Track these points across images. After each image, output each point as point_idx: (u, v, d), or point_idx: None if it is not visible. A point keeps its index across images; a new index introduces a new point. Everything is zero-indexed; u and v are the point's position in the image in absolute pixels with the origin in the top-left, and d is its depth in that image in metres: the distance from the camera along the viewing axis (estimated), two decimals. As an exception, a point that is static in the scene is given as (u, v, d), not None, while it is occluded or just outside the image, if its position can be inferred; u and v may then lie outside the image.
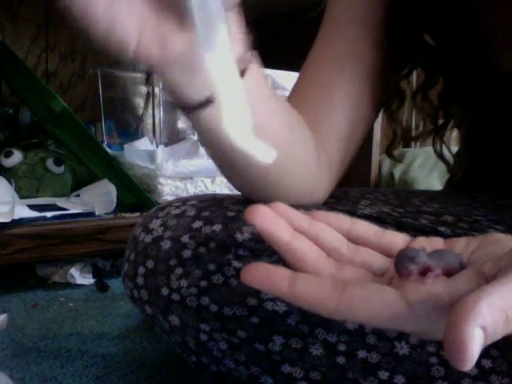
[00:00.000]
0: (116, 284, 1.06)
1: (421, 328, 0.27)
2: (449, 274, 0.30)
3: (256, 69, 0.44)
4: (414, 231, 0.51)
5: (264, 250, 0.49)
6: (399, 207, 0.57)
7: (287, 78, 1.48)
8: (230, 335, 0.48)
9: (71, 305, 0.95)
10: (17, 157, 1.12)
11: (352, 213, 0.53)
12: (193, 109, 0.41)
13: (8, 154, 1.12)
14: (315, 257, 0.32)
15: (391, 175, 1.52)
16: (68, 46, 1.57)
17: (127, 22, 0.32)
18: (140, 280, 0.53)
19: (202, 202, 0.54)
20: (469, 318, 0.23)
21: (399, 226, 0.52)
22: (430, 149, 1.62)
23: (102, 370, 0.70)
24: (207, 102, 0.40)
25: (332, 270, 0.31)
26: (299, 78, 0.61)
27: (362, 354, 0.45)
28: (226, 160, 0.48)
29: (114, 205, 1.05)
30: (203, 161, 1.16)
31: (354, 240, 0.34)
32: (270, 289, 0.27)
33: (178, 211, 0.53)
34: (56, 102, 1.06)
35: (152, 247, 0.52)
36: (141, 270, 0.52)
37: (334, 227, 0.34)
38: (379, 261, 0.33)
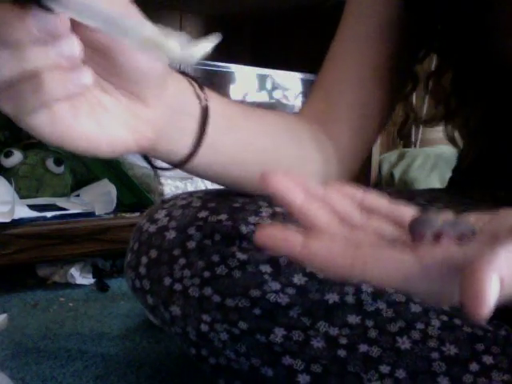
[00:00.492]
0: (116, 284, 1.06)
1: (433, 290, 0.27)
2: (461, 241, 0.30)
3: (215, 99, 0.44)
4: None
5: None
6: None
7: (287, 78, 1.48)
8: (232, 326, 0.48)
9: (71, 305, 0.95)
10: (17, 157, 1.12)
11: None
12: (178, 166, 0.44)
13: (8, 154, 1.12)
14: (328, 221, 0.32)
15: (391, 175, 1.52)
16: (68, 45, 1.57)
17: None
18: (142, 270, 0.52)
19: (208, 194, 0.55)
20: (486, 266, 0.23)
21: None
22: (429, 149, 1.63)
23: (102, 369, 0.70)
24: (184, 161, 0.43)
25: (345, 234, 0.32)
26: (320, 72, 0.63)
27: (363, 347, 0.45)
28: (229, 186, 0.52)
29: (114, 205, 1.05)
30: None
31: (367, 210, 0.34)
32: (284, 248, 0.27)
33: (184, 202, 0.54)
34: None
35: (156, 237, 0.52)
36: (144, 259, 0.52)
37: (347, 196, 0.34)
38: (390, 229, 0.33)
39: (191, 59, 0.27)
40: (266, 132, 0.51)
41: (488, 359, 0.44)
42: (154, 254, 0.52)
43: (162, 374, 0.69)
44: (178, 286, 0.50)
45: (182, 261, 0.50)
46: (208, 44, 0.28)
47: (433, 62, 0.66)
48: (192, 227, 0.51)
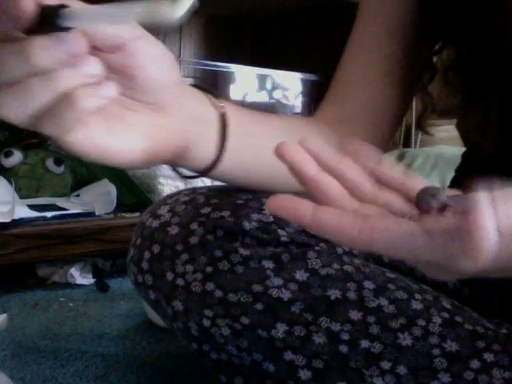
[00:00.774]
0: (116, 284, 1.06)
1: (438, 257, 0.29)
2: (464, 214, 0.31)
3: (229, 107, 0.47)
4: None
5: (270, 240, 0.50)
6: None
7: (287, 78, 1.48)
8: (234, 321, 0.48)
9: (71, 305, 0.95)
10: (17, 157, 1.12)
11: None
12: (204, 173, 0.47)
13: (8, 154, 1.12)
14: (339, 193, 0.33)
15: (391, 175, 1.52)
16: (68, 45, 1.56)
17: None
18: (145, 264, 0.53)
19: (212, 190, 0.55)
20: (484, 210, 0.26)
21: None
22: (429, 149, 1.63)
23: (102, 369, 0.70)
24: (209, 168, 0.46)
25: (354, 206, 0.33)
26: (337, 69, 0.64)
27: (364, 343, 0.46)
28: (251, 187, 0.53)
29: (114, 205, 1.05)
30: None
31: (378, 179, 0.35)
32: (294, 217, 0.28)
33: (186, 198, 0.54)
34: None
35: (159, 232, 0.52)
36: (146, 254, 0.53)
37: (360, 163, 0.35)
38: (399, 203, 0.34)
39: (178, 16, 0.30)
40: (277, 136, 0.51)
41: (489, 357, 0.44)
42: (156, 249, 0.52)
43: (162, 373, 0.69)
44: (180, 281, 0.50)
45: (185, 256, 0.50)
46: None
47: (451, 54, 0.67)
48: (195, 223, 0.51)
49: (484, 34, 0.59)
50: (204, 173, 0.46)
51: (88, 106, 0.32)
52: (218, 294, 0.49)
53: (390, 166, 0.36)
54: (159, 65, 0.37)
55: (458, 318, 0.47)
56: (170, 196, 0.56)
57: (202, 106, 0.44)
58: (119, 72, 0.35)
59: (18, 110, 0.32)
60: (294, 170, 0.32)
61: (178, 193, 0.56)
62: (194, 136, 0.43)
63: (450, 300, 0.49)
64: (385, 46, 0.60)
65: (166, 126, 0.40)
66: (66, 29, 0.30)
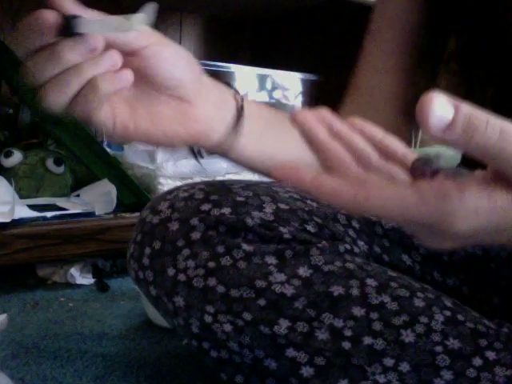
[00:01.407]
0: (116, 284, 1.06)
1: (429, 219, 0.30)
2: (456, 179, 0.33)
3: (251, 102, 0.52)
4: None
5: (272, 236, 0.50)
6: None
7: (287, 78, 1.48)
8: (236, 317, 0.48)
9: (71, 305, 0.95)
10: (17, 157, 1.12)
11: None
12: (227, 155, 0.51)
13: (8, 154, 1.12)
14: (346, 159, 0.35)
15: (391, 175, 1.52)
16: (68, 46, 1.57)
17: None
18: (146, 261, 0.53)
19: (211, 186, 0.55)
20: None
21: None
22: (429, 149, 1.62)
23: (102, 369, 0.70)
24: (226, 152, 0.51)
25: (359, 174, 0.35)
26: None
27: (367, 340, 0.46)
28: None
29: (114, 205, 1.05)
30: (203, 161, 1.16)
31: (383, 151, 0.37)
32: (296, 181, 0.31)
33: (186, 194, 0.54)
34: (56, 102, 1.06)
35: (159, 228, 0.52)
36: (147, 250, 0.53)
37: (367, 135, 0.37)
38: (402, 176, 0.35)
39: (136, 28, 0.39)
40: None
41: (491, 355, 0.45)
42: (157, 244, 0.52)
43: (162, 373, 0.69)
44: (181, 277, 0.50)
45: (186, 251, 0.50)
46: (147, 14, 0.39)
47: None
48: (195, 218, 0.51)
49: (484, 20, 0.59)
50: (227, 154, 0.51)
51: (107, 89, 0.40)
52: (220, 289, 0.49)
53: (393, 140, 0.38)
54: (174, 64, 0.44)
55: (460, 317, 0.47)
56: (169, 192, 0.56)
57: (222, 96, 0.49)
58: (144, 74, 0.43)
59: (58, 99, 0.40)
60: (305, 134, 0.34)
61: (177, 188, 0.56)
62: (216, 122, 0.48)
63: (451, 299, 0.49)
64: (398, 44, 0.63)
65: (191, 114, 0.46)
66: (80, 34, 0.38)
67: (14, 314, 0.89)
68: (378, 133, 0.37)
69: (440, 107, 0.28)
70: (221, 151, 0.50)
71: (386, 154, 0.36)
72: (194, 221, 0.51)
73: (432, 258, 0.57)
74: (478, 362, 0.44)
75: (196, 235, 0.51)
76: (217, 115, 0.48)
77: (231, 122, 0.49)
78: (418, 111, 0.28)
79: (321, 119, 0.35)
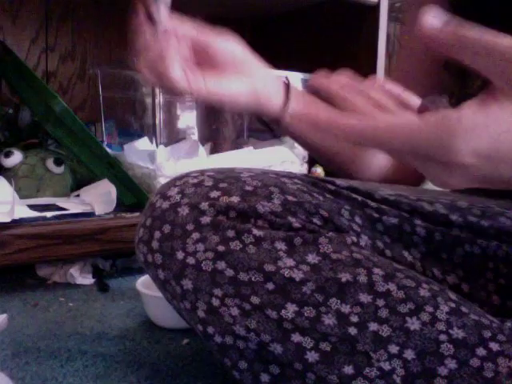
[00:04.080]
0: (116, 284, 1.06)
1: (432, 147, 0.33)
2: None
3: (299, 93, 0.65)
4: (426, 218, 0.58)
5: (282, 224, 0.51)
6: (416, 193, 0.62)
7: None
8: (243, 301, 0.49)
9: (71, 305, 0.95)
10: (17, 157, 1.12)
11: (372, 194, 0.60)
12: (278, 122, 0.64)
13: (8, 154, 1.12)
14: (363, 104, 0.38)
15: (391, 175, 1.52)
16: (68, 46, 1.57)
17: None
18: (155, 244, 0.53)
19: (220, 173, 0.56)
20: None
21: (413, 211, 0.59)
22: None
23: (102, 370, 0.70)
24: (279, 120, 0.63)
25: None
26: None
27: (373, 326, 0.46)
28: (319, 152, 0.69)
29: (114, 205, 1.05)
30: (203, 161, 1.16)
31: (401, 102, 0.39)
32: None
33: (195, 180, 0.55)
34: (56, 101, 1.06)
35: (169, 213, 0.53)
36: (157, 234, 0.53)
37: (385, 90, 0.40)
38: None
39: None
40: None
41: (494, 346, 0.45)
42: (167, 228, 0.53)
43: (162, 373, 0.69)
44: (190, 260, 0.51)
45: (196, 235, 0.51)
46: None
47: None
48: (205, 203, 0.52)
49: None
50: (278, 121, 0.63)
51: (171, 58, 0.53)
52: (229, 273, 0.49)
53: (411, 95, 0.40)
54: (232, 48, 0.58)
55: (464, 309, 0.47)
56: (179, 178, 0.57)
57: (270, 75, 0.63)
58: (205, 53, 0.57)
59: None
60: (323, 89, 0.39)
61: (187, 175, 0.57)
62: (267, 93, 0.61)
63: (454, 293, 0.50)
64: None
65: (250, 84, 0.59)
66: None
67: (14, 314, 0.89)
68: (397, 89, 0.40)
69: (433, 16, 0.33)
70: (274, 117, 0.62)
71: (403, 105, 0.38)
72: (204, 206, 0.52)
73: (431, 255, 0.58)
74: (481, 352, 0.45)
75: (206, 219, 0.51)
76: (266, 88, 0.61)
77: (281, 97, 0.62)
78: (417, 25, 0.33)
79: (337, 80, 0.39)
